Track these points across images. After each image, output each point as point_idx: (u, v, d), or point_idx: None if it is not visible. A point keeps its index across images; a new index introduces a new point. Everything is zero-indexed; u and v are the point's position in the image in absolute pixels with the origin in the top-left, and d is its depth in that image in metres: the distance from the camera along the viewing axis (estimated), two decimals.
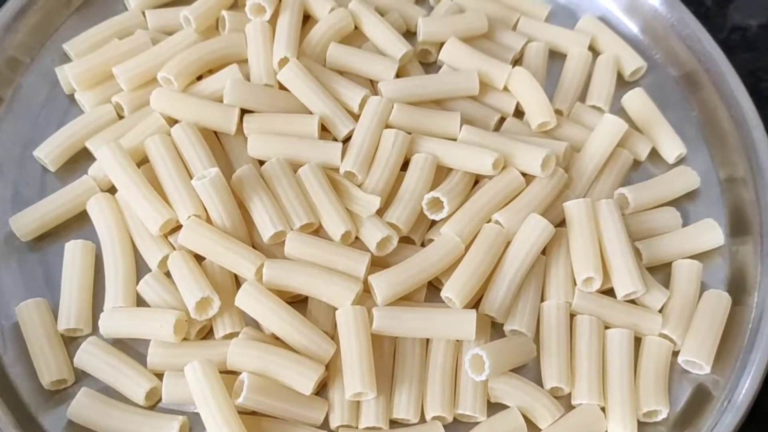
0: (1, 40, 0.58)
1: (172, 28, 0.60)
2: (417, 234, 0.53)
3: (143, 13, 0.61)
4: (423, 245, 0.53)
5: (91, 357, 0.49)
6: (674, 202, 0.58)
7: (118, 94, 0.57)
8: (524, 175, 0.54)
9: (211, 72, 0.58)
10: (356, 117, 0.56)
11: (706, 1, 0.69)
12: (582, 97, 0.61)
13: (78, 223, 0.54)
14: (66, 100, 0.59)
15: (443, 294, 0.50)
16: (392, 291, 0.49)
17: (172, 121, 0.55)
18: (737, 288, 0.55)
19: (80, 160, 0.56)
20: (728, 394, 0.50)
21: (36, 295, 0.51)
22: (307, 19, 0.61)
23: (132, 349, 0.50)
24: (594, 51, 0.63)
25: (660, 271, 0.55)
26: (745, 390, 0.49)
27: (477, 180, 0.55)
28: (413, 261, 0.50)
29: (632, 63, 0.62)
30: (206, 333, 0.51)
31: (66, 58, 0.60)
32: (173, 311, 0.49)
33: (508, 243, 0.52)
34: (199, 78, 0.58)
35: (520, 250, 0.51)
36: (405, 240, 0.53)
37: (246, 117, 0.55)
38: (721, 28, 0.68)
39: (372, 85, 0.59)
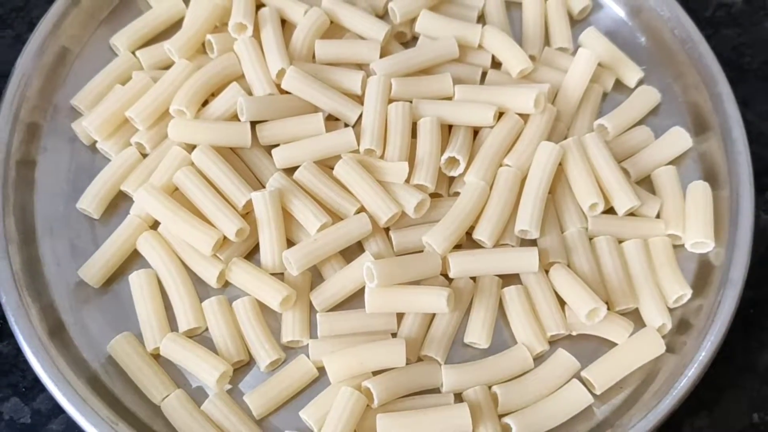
0: (18, 109, 0.60)
1: (165, 62, 0.64)
2: (443, 189, 0.60)
3: (134, 53, 0.65)
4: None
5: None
6: (642, 120, 0.65)
7: (136, 135, 0.61)
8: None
9: (213, 95, 0.62)
10: (359, 98, 0.61)
11: None
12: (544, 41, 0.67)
13: (136, 257, 0.58)
14: (87, 150, 0.62)
15: (475, 236, 0.57)
16: (449, 243, 0.55)
17: (190, 147, 0.59)
18: (712, 182, 0.61)
19: (119, 201, 0.60)
20: (726, 262, 0.57)
21: (119, 328, 0.55)
22: (283, 24, 0.66)
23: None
24: None
25: (641, 184, 0.62)
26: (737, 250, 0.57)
27: (475, 130, 0.62)
28: (454, 213, 0.56)
29: (579, 2, 0.69)
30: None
31: (75, 112, 0.63)
32: (222, 364, 0.53)
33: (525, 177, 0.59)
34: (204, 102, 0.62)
35: (537, 172, 0.58)
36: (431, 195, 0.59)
37: (258, 127, 0.60)
38: (708, 5, 0.74)
39: (361, 69, 0.63)
